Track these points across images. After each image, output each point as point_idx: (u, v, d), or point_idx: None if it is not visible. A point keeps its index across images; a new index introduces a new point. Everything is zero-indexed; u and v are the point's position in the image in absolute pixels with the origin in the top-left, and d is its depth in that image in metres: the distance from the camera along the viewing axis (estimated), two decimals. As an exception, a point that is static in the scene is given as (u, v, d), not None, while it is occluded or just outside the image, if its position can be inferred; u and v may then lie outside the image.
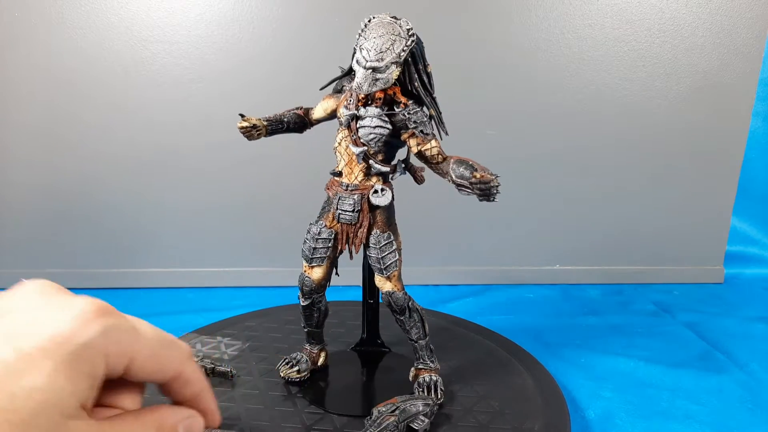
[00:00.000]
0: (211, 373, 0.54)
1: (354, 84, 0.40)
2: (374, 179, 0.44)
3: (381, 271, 0.46)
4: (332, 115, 0.45)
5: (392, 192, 0.45)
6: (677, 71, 0.84)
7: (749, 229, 0.98)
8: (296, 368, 0.52)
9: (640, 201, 0.89)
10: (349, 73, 0.44)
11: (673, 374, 0.61)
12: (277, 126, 0.47)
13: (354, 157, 0.43)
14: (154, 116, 0.81)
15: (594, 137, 0.86)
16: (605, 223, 0.89)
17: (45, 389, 0.22)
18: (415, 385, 0.50)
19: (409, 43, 0.40)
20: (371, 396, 0.54)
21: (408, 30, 0.40)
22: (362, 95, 0.42)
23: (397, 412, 0.44)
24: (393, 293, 0.46)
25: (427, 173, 0.48)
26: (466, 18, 0.80)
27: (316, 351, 0.54)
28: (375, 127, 0.42)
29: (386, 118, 0.42)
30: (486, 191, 0.41)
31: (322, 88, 0.46)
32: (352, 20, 0.81)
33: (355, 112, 0.42)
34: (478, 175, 0.41)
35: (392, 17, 0.41)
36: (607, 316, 0.78)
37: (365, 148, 0.43)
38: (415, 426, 0.45)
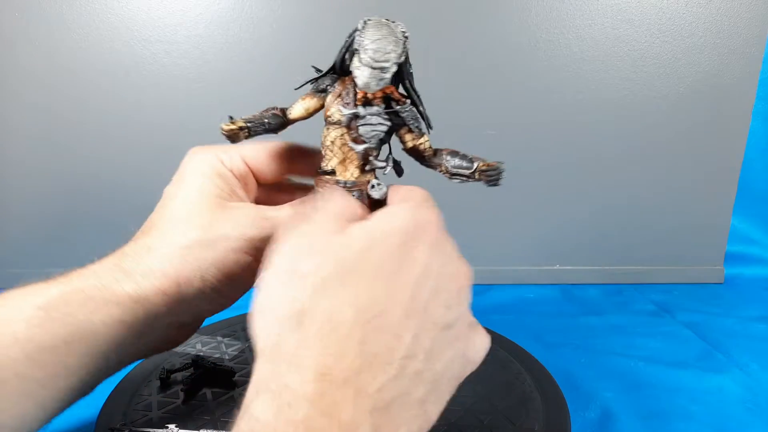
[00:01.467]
0: (211, 373, 0.54)
1: (360, 83, 0.41)
2: (369, 175, 0.45)
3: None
4: (312, 114, 0.46)
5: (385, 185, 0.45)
6: (677, 71, 0.84)
7: (749, 229, 0.98)
8: None
9: (640, 201, 0.89)
10: (329, 72, 0.44)
11: (673, 374, 0.61)
12: (258, 127, 0.47)
13: (349, 154, 0.43)
14: (154, 116, 0.81)
15: (594, 137, 0.86)
16: (605, 223, 0.89)
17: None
18: None
19: (406, 44, 0.41)
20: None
21: (403, 32, 0.41)
22: (362, 94, 0.42)
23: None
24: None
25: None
26: (465, 18, 0.80)
27: None
28: (377, 124, 0.43)
29: (386, 116, 0.43)
30: (496, 178, 0.43)
31: (297, 89, 0.46)
32: (352, 20, 0.81)
33: (356, 110, 0.42)
34: (483, 165, 0.42)
35: (386, 20, 0.41)
36: (607, 316, 0.78)
37: (367, 145, 0.43)
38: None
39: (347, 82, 0.44)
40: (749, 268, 0.95)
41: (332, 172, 0.45)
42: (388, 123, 0.43)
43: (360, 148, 0.43)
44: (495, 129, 0.84)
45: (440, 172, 0.45)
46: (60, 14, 0.77)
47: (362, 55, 0.41)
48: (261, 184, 0.43)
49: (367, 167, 0.44)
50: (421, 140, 0.45)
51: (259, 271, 0.30)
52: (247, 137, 0.45)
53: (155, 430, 0.45)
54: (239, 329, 0.65)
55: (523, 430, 0.47)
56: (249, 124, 0.45)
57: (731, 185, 0.89)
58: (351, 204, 0.33)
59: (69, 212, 0.84)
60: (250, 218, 0.37)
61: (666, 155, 0.87)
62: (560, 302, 0.83)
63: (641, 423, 0.52)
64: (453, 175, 0.45)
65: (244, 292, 0.40)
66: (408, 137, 0.45)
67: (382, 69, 0.41)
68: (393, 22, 0.42)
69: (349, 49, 0.43)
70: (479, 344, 0.36)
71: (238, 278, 0.37)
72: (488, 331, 0.66)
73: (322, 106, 0.45)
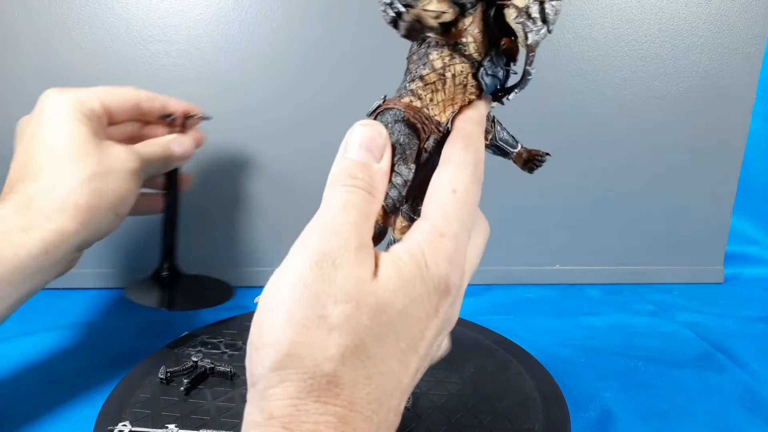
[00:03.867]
0: (211, 373, 0.54)
1: (534, 39, 0.35)
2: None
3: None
4: (432, 24, 0.33)
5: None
6: (677, 71, 0.84)
7: (749, 228, 0.98)
8: None
9: (640, 201, 0.89)
10: None
11: (673, 374, 0.61)
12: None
13: (458, 97, 0.36)
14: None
15: (593, 137, 0.86)
16: (605, 223, 0.89)
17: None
18: None
19: None
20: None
21: None
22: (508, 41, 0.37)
23: None
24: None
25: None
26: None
27: None
28: (499, 77, 0.41)
29: (508, 71, 0.41)
30: (536, 167, 0.43)
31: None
32: (352, 20, 0.81)
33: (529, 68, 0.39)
34: (528, 152, 0.43)
35: None
36: (606, 315, 0.78)
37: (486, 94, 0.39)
38: (405, 404, 0.45)
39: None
40: (749, 268, 0.95)
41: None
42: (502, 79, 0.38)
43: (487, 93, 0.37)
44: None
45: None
46: (60, 14, 0.77)
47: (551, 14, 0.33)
48: (110, 124, 0.51)
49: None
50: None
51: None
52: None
53: (155, 430, 0.45)
54: (239, 329, 0.66)
55: (523, 430, 0.47)
56: None
57: (731, 185, 0.89)
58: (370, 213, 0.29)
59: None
60: (125, 153, 0.47)
61: (666, 155, 0.87)
62: (560, 302, 0.83)
63: (641, 423, 0.52)
64: (495, 146, 0.42)
65: (134, 213, 0.51)
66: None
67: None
68: None
69: None
70: (444, 346, 0.39)
71: (129, 201, 0.48)
72: (488, 331, 0.66)
73: (451, 23, 0.33)
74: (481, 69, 0.36)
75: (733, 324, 0.75)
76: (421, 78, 0.34)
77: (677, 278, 0.92)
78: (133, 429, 0.44)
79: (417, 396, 0.51)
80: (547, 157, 0.41)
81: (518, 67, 0.40)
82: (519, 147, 0.41)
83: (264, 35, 0.79)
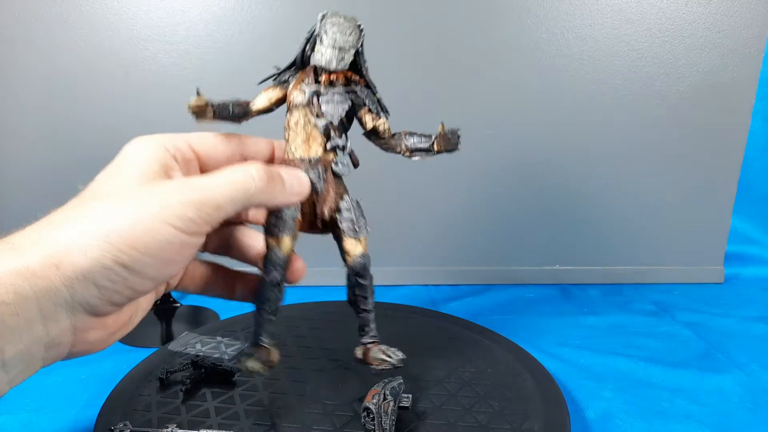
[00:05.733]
0: (211, 373, 0.54)
1: (323, 61, 0.45)
2: (331, 154, 0.46)
3: (355, 233, 0.47)
4: (277, 104, 0.49)
5: (349, 163, 0.47)
6: (677, 71, 0.84)
7: (749, 228, 0.98)
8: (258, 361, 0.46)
9: (640, 200, 0.89)
10: (292, 67, 0.48)
11: (673, 374, 0.61)
12: (223, 111, 0.49)
13: (312, 132, 0.46)
14: (154, 116, 0.81)
15: (593, 137, 0.86)
16: (605, 222, 0.89)
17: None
18: (375, 360, 0.47)
19: (362, 35, 0.46)
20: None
21: (359, 25, 0.46)
22: (326, 76, 0.45)
23: (389, 397, 0.45)
24: (366, 255, 0.46)
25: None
26: (465, 18, 0.80)
27: (273, 349, 0.47)
28: (337, 102, 0.46)
29: (346, 95, 0.46)
30: (455, 142, 0.48)
31: (260, 83, 0.49)
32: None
33: (317, 88, 0.45)
34: (441, 132, 0.48)
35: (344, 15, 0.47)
36: (606, 315, 0.78)
37: (328, 120, 0.45)
38: (404, 404, 0.47)
39: (308, 71, 0.46)
40: (749, 268, 0.95)
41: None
42: (349, 102, 0.46)
43: (322, 122, 0.46)
44: (494, 129, 0.84)
45: (400, 153, 0.49)
46: (60, 14, 0.77)
47: (325, 38, 0.45)
48: (203, 171, 0.43)
49: (329, 144, 0.46)
50: (380, 121, 0.48)
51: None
52: (212, 117, 0.47)
53: (155, 429, 0.45)
54: (239, 329, 0.66)
55: (522, 430, 0.47)
56: (215, 104, 0.47)
57: (731, 185, 0.89)
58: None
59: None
60: (175, 186, 0.36)
61: (666, 155, 0.87)
62: (560, 302, 0.83)
63: (641, 423, 0.52)
64: (413, 151, 0.49)
65: (197, 290, 0.44)
66: (368, 118, 0.48)
67: (342, 49, 0.45)
68: (350, 17, 0.46)
69: (310, 40, 0.46)
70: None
71: (173, 258, 0.34)
72: (488, 331, 0.66)
73: (284, 97, 0.48)
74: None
75: (734, 324, 0.75)
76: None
77: (677, 278, 0.92)
78: (134, 429, 0.44)
79: (417, 396, 0.51)
80: (459, 131, 0.49)
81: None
82: (433, 137, 0.48)
83: (264, 35, 0.79)
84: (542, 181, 0.87)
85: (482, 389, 0.53)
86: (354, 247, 0.47)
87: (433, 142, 0.48)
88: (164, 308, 0.76)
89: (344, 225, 0.47)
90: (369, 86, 0.48)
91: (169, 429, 0.44)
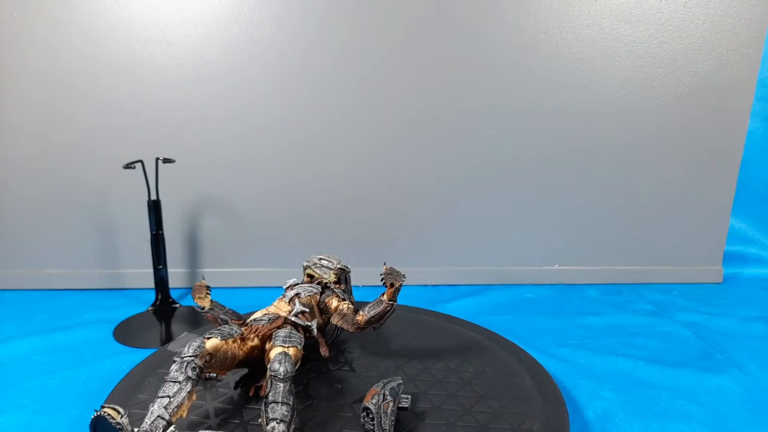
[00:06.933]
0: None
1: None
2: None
3: (285, 342, 0.49)
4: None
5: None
6: (676, 72, 0.84)
7: (748, 228, 0.98)
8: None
9: (639, 201, 0.89)
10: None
11: (672, 374, 0.61)
12: (216, 313, 0.56)
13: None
14: (152, 115, 0.81)
15: (593, 137, 0.86)
16: (604, 223, 0.90)
17: None
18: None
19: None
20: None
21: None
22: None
23: (389, 397, 0.45)
24: (288, 354, 0.47)
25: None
26: (465, 19, 0.80)
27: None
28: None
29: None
30: (394, 278, 0.54)
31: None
32: (349, 19, 0.81)
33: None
34: (387, 269, 0.55)
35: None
36: (606, 316, 0.78)
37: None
38: (403, 404, 0.48)
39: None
40: (748, 268, 0.96)
41: None
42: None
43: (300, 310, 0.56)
44: (494, 129, 0.85)
45: (360, 321, 0.55)
46: (59, 14, 0.77)
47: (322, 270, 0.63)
48: None
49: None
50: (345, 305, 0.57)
51: None
52: (208, 305, 0.55)
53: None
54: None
55: (522, 430, 0.47)
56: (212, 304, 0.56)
57: (730, 185, 0.89)
58: None
59: (67, 211, 0.84)
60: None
61: (664, 155, 0.87)
62: (559, 302, 0.83)
63: (640, 423, 0.52)
64: (378, 307, 0.55)
65: None
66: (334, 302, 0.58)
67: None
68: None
69: None
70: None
71: None
72: (488, 331, 0.66)
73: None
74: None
75: (732, 324, 0.75)
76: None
77: (676, 278, 0.92)
78: (134, 430, 0.44)
79: (416, 396, 0.51)
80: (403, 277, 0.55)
81: None
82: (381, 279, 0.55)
83: (263, 36, 0.79)
84: (541, 181, 0.87)
85: (482, 389, 0.53)
86: (280, 348, 0.50)
87: (383, 280, 0.54)
88: (164, 309, 0.76)
89: (279, 338, 0.51)
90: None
91: (170, 429, 0.43)
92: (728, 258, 0.93)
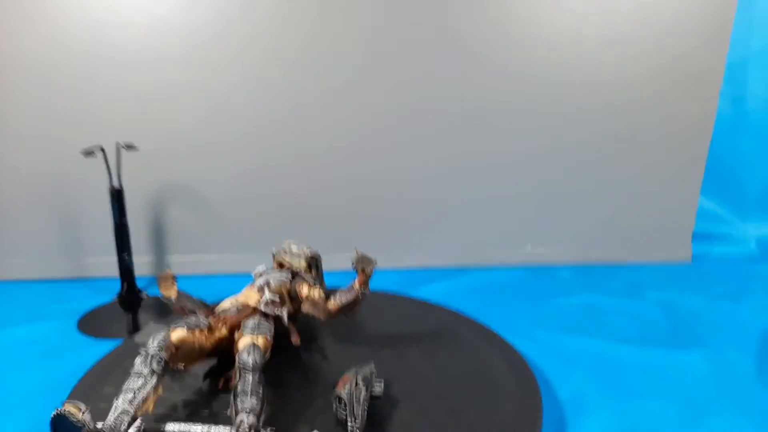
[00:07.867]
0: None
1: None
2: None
3: (253, 331, 0.49)
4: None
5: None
6: (646, 54, 0.84)
7: (717, 208, 1.00)
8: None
9: (610, 182, 0.89)
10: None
11: (642, 353, 0.62)
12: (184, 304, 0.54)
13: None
14: (113, 100, 0.78)
15: (563, 121, 0.86)
16: (576, 204, 0.90)
17: None
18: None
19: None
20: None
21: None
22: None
23: (361, 384, 0.45)
24: (257, 344, 0.47)
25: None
26: (462, 18, 0.79)
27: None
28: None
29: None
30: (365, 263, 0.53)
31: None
32: (347, 15, 0.79)
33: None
34: (358, 254, 0.54)
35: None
36: (577, 296, 0.79)
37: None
38: (376, 391, 0.48)
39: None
40: (716, 247, 0.97)
41: None
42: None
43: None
44: (471, 114, 0.84)
45: (333, 306, 0.54)
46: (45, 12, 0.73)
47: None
48: None
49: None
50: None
51: None
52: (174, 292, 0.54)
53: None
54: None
55: (494, 413, 0.47)
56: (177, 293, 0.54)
57: (699, 166, 0.90)
58: None
59: (26, 199, 0.81)
60: None
61: (635, 137, 0.87)
62: (532, 284, 0.84)
63: (612, 402, 0.53)
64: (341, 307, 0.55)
65: None
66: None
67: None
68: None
69: None
70: None
71: None
72: (460, 315, 0.66)
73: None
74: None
75: (701, 302, 0.76)
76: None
77: (646, 257, 0.93)
78: (98, 425, 0.42)
79: (389, 383, 0.51)
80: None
81: None
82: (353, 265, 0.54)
83: (230, 14, 0.77)
84: (513, 165, 0.87)
85: (453, 374, 0.53)
86: (248, 339, 0.49)
87: (354, 266, 0.54)
88: (130, 299, 0.74)
89: (247, 328, 0.51)
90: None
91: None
92: (697, 237, 0.94)
